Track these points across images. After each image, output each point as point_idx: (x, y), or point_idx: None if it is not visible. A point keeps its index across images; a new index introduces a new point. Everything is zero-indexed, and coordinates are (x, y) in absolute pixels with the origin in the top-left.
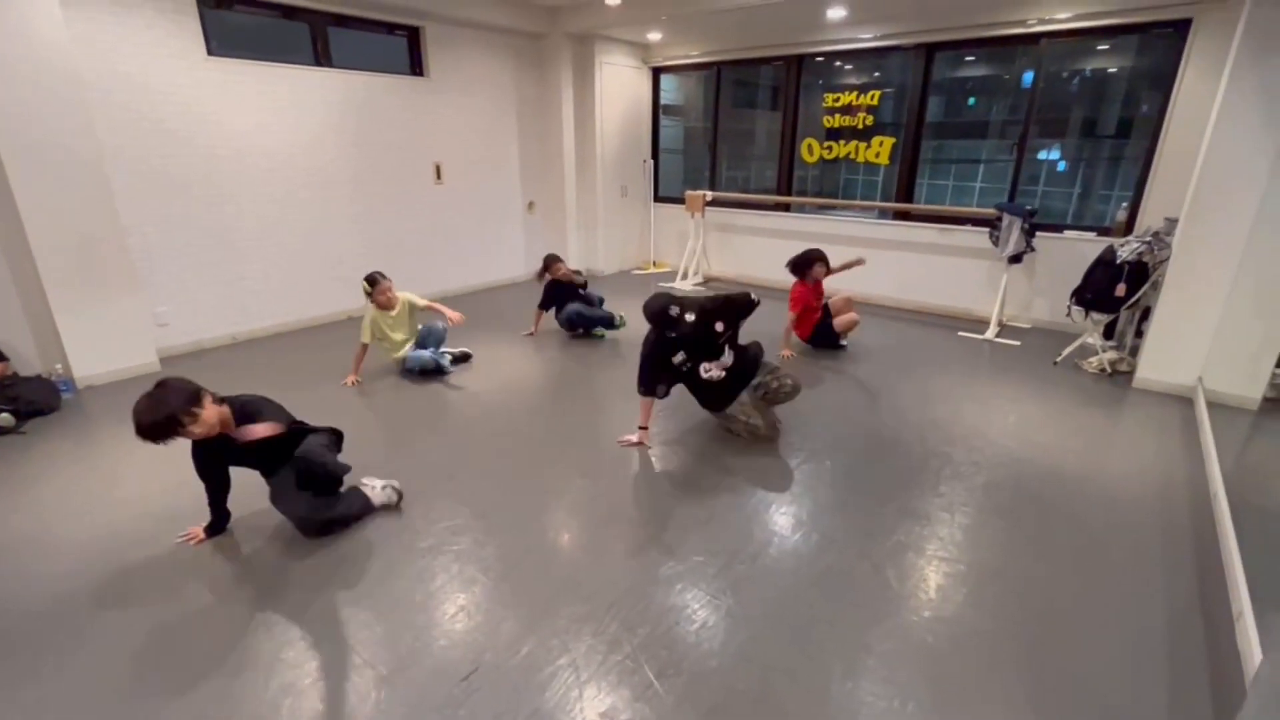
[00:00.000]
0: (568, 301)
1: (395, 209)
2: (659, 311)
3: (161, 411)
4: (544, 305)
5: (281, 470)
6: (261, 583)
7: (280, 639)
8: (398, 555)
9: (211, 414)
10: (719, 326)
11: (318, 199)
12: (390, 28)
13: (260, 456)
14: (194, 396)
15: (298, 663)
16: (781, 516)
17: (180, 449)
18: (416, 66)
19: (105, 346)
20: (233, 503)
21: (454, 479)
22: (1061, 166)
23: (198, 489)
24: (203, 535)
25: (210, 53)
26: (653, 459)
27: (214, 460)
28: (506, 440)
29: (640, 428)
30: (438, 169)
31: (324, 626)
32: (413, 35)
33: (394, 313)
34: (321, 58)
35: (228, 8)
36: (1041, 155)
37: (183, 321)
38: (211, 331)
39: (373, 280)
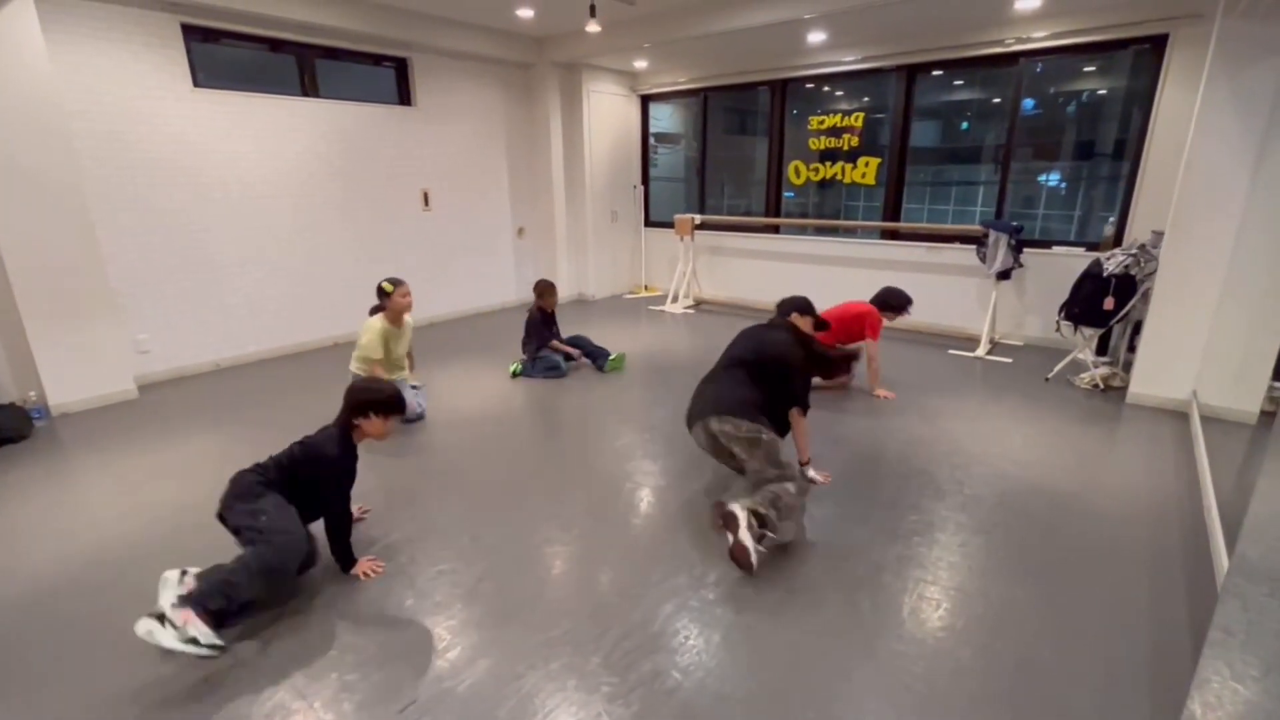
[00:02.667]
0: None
1: (383, 235)
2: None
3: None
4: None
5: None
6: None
7: (209, 669)
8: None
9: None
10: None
11: (304, 226)
12: (378, 59)
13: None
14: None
15: (227, 698)
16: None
17: (148, 475)
18: (404, 96)
19: (81, 374)
20: (171, 520)
21: (430, 508)
22: (1054, 181)
23: (157, 518)
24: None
25: (197, 84)
26: (623, 482)
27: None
28: (486, 471)
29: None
30: (426, 196)
31: (259, 658)
32: (400, 66)
33: (401, 328)
34: (309, 89)
35: (215, 41)
36: (1041, 179)
37: (164, 348)
38: (194, 358)
39: (396, 281)
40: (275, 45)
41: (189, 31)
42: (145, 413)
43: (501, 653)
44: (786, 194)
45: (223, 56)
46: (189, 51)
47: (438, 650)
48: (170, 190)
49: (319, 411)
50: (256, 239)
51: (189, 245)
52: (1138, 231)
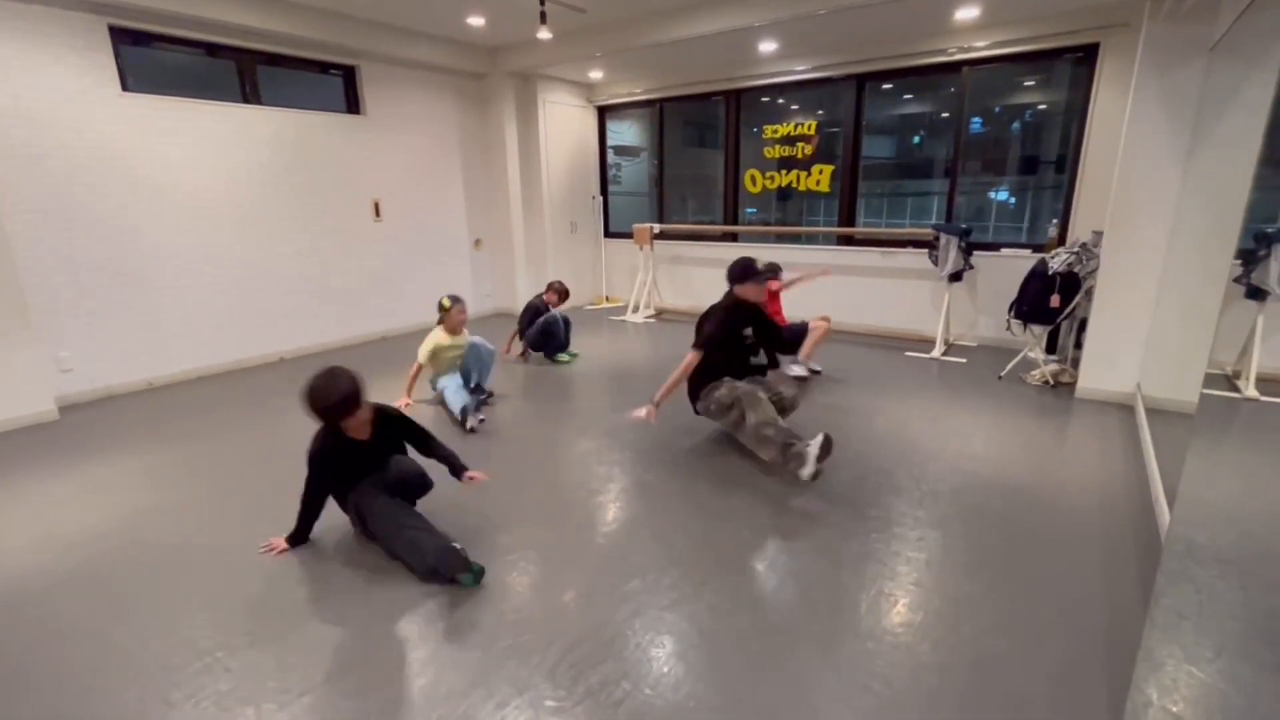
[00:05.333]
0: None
1: (331, 247)
2: (748, 266)
3: (339, 392)
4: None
5: (374, 474)
6: (127, 640)
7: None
8: (280, 597)
9: (366, 413)
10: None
11: (245, 237)
12: (324, 67)
13: (373, 456)
14: (358, 390)
15: None
16: (709, 539)
17: (63, 502)
18: (353, 104)
19: None
20: (84, 549)
21: None
22: (1003, 196)
23: (69, 546)
24: (285, 545)
25: (125, 88)
26: (578, 489)
27: (335, 462)
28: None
29: (653, 403)
30: (376, 206)
31: (186, 700)
32: (349, 74)
33: (458, 339)
34: (250, 95)
35: (146, 45)
36: (991, 194)
37: (89, 366)
38: (124, 377)
39: (455, 299)
40: (213, 50)
41: (118, 34)
42: (65, 435)
43: (441, 668)
44: (749, 210)
45: (157, 61)
46: (117, 55)
47: (372, 667)
48: (96, 199)
49: (257, 431)
50: (192, 250)
51: (117, 257)
52: (1079, 231)
